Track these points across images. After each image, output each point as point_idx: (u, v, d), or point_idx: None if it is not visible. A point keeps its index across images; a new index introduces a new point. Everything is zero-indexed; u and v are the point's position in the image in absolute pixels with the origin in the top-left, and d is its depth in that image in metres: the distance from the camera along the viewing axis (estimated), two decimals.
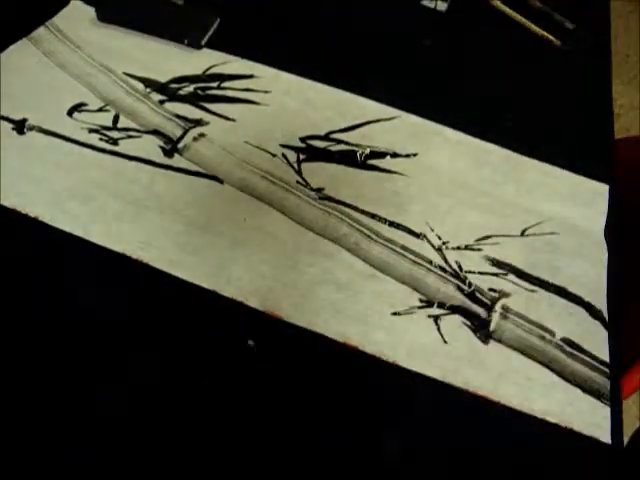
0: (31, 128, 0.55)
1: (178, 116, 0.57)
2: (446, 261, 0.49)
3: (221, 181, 0.53)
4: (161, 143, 0.55)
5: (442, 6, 0.71)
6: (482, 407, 0.42)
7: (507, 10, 0.72)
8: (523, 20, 0.70)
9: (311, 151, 0.56)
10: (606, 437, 0.41)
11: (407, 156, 0.57)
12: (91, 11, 0.65)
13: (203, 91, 0.60)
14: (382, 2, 0.71)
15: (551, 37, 0.69)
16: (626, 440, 0.43)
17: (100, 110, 0.57)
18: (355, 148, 0.56)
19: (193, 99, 0.59)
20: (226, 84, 0.60)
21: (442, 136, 0.59)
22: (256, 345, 0.43)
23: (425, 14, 0.71)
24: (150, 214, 0.50)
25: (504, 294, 0.48)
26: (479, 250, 0.51)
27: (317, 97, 0.60)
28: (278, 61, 0.62)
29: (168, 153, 0.54)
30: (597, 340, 0.46)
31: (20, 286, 0.45)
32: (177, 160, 0.54)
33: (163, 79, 0.60)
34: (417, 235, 0.51)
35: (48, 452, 0.38)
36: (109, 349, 0.43)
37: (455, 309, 0.47)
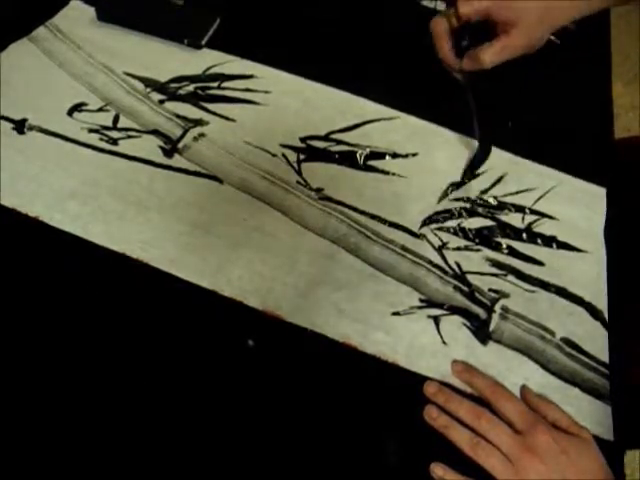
0: (31, 128, 0.55)
1: (178, 116, 0.57)
2: (446, 261, 0.49)
3: (221, 181, 0.53)
4: (161, 143, 0.55)
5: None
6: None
7: None
8: None
9: (311, 151, 0.56)
10: (608, 434, 0.41)
11: (407, 156, 0.57)
12: (91, 11, 0.65)
13: (203, 91, 0.60)
14: (382, 2, 0.71)
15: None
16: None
17: (100, 110, 0.57)
18: (355, 148, 0.56)
19: (193, 99, 0.59)
20: (226, 84, 0.60)
21: (442, 136, 0.59)
22: (256, 345, 0.44)
23: (425, 14, 0.71)
24: (150, 214, 0.50)
25: (504, 294, 0.48)
26: (479, 251, 0.51)
27: (317, 97, 0.60)
28: (278, 61, 0.62)
29: (168, 153, 0.54)
30: (597, 340, 0.46)
31: (20, 286, 0.45)
32: (177, 160, 0.54)
33: (163, 79, 0.60)
34: (417, 235, 0.51)
35: (48, 452, 0.38)
36: (109, 349, 0.43)
37: (455, 309, 0.47)
